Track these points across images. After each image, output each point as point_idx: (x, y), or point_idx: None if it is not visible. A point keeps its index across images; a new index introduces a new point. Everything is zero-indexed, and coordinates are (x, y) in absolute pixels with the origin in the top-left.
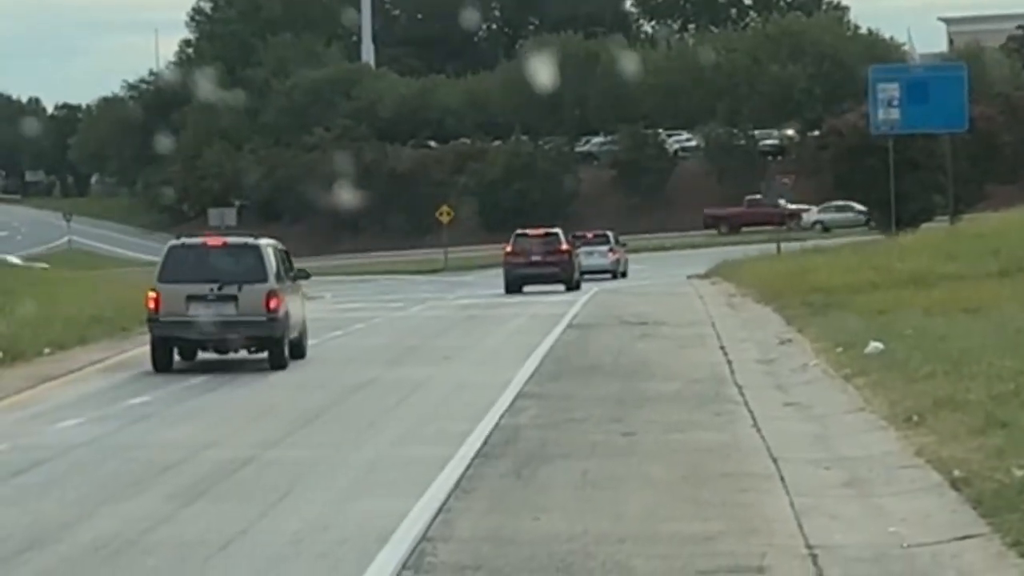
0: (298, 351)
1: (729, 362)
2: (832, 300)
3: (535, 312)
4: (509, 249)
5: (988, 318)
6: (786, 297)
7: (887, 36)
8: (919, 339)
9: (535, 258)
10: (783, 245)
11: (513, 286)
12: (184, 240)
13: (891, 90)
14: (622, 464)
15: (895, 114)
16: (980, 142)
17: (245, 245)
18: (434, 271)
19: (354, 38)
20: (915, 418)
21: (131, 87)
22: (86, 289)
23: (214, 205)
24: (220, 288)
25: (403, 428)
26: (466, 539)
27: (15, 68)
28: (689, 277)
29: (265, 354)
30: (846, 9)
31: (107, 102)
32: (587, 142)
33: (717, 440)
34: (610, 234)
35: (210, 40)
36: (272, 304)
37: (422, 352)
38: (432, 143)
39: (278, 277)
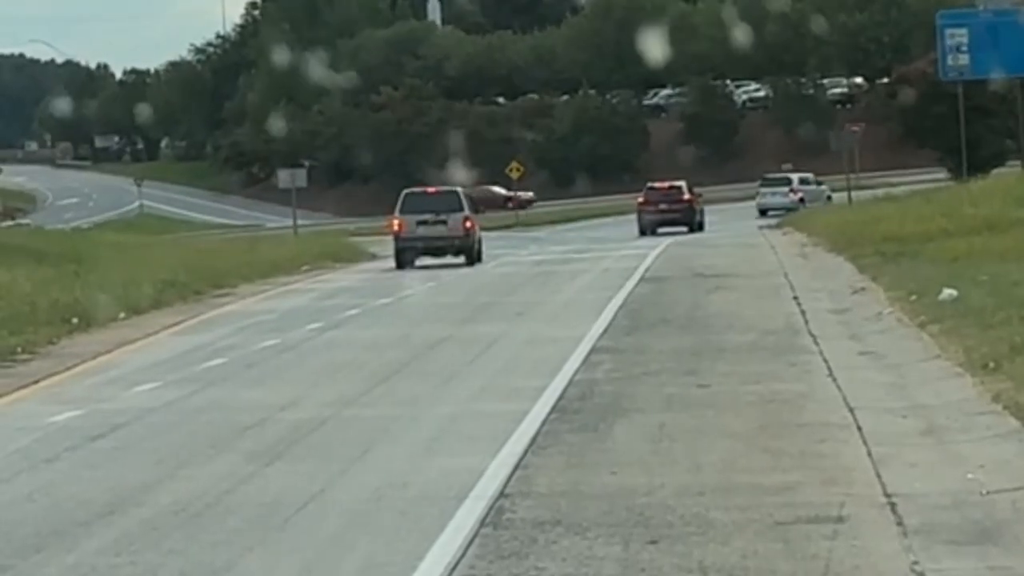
0: (479, 256)
1: (803, 312)
2: (904, 248)
3: (607, 267)
4: (642, 200)
5: None
6: (858, 246)
7: None
8: (993, 285)
9: (663, 206)
10: (854, 194)
11: (648, 229)
12: (413, 189)
13: (960, 35)
14: (698, 416)
15: (964, 60)
16: None
17: (449, 191)
18: (506, 227)
19: None
20: (991, 364)
21: (198, 51)
22: (159, 253)
23: (283, 166)
24: (437, 215)
25: (478, 385)
26: (544, 495)
27: (83, 34)
28: (761, 228)
29: (462, 258)
30: None
31: (175, 66)
32: (655, 95)
33: (793, 390)
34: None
35: (276, 1)
36: (467, 225)
37: (495, 309)
38: (500, 100)
39: (470, 210)
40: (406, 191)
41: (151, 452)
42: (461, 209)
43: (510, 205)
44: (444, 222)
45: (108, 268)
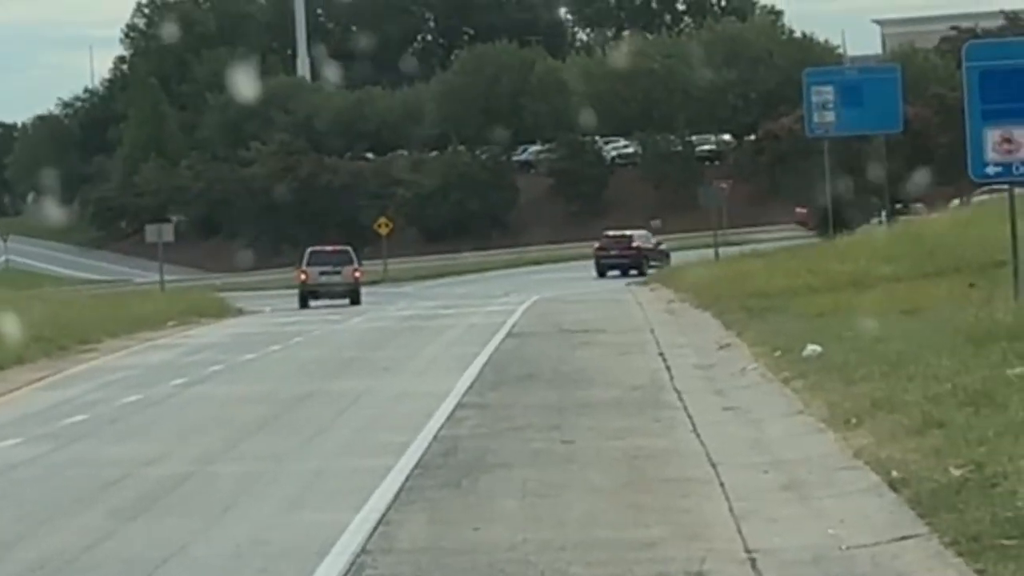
0: (359, 300)
1: (668, 368)
2: (770, 304)
3: (474, 322)
4: (599, 246)
5: (925, 319)
6: (724, 302)
7: (821, 39)
8: (857, 341)
9: (614, 252)
10: (721, 250)
11: (602, 272)
12: (315, 248)
13: (826, 93)
14: (562, 472)
15: (830, 117)
16: (915, 143)
17: (342, 249)
18: (373, 283)
19: (288, 52)
20: (853, 420)
21: (66, 105)
22: (24, 308)
23: (152, 221)
24: (334, 267)
25: (343, 440)
26: (406, 550)
27: None
28: (628, 284)
29: (348, 300)
30: (780, 13)
31: (42, 120)
32: (524, 151)
33: (657, 446)
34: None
35: (145, 56)
36: (356, 275)
37: (362, 364)
38: (370, 155)
39: (357, 262)
40: (310, 249)
41: (13, 507)
42: (351, 263)
43: None
44: (339, 272)
45: None
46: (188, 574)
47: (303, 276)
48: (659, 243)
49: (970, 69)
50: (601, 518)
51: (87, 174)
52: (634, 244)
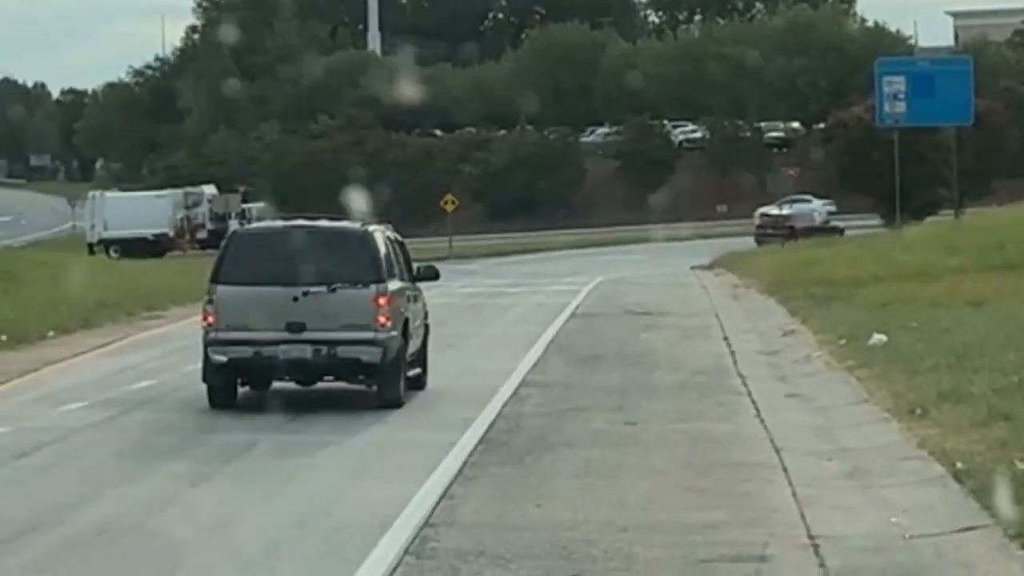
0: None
1: (732, 353)
2: (836, 292)
3: (539, 301)
4: (759, 223)
5: (991, 311)
6: (790, 288)
7: (893, 29)
8: (923, 332)
9: (769, 230)
10: None
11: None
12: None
13: (897, 83)
14: (624, 453)
15: (901, 107)
16: (985, 136)
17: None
18: (438, 259)
19: (359, 26)
20: (918, 410)
21: (137, 73)
22: (91, 273)
23: (219, 191)
24: None
25: (407, 414)
26: (469, 525)
27: (21, 53)
28: (693, 268)
29: None
30: (852, 1)
31: (113, 88)
32: (592, 132)
33: (720, 430)
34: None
35: (216, 26)
36: None
37: None
38: (438, 132)
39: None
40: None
41: (76, 471)
42: None
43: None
44: None
45: (38, 287)
46: (252, 541)
47: None
48: (827, 220)
49: None
50: (663, 500)
51: (156, 142)
52: (788, 223)
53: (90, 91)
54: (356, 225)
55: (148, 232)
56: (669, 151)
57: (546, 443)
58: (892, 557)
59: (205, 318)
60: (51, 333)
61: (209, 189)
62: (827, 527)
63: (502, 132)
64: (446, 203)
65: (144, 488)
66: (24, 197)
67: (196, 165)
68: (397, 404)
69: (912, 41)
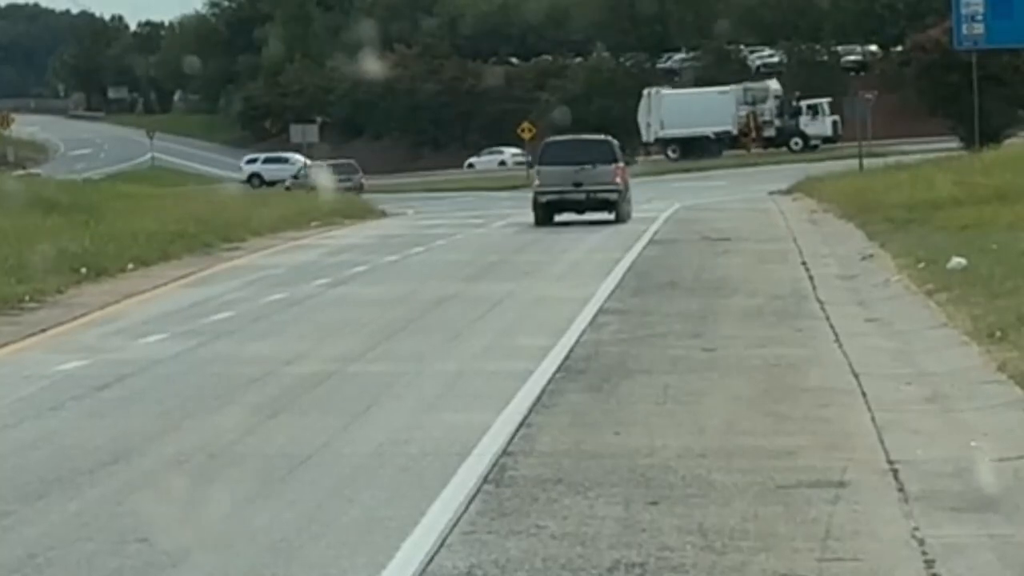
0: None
1: (811, 278)
2: (914, 216)
3: (617, 227)
4: None
5: None
6: (868, 213)
7: None
8: (1002, 255)
9: None
10: (866, 161)
11: None
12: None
13: (975, 5)
14: (703, 379)
15: (979, 29)
16: None
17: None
18: (515, 187)
19: None
20: (998, 334)
21: (213, 4)
22: (170, 205)
23: (296, 121)
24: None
25: (484, 343)
26: (547, 453)
27: None
28: (771, 193)
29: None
30: None
31: (189, 19)
32: (668, 59)
33: (798, 355)
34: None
35: None
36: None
37: (503, 267)
38: (514, 60)
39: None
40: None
41: (156, 403)
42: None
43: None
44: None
45: (118, 219)
46: (329, 471)
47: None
48: None
49: None
50: (741, 426)
51: (233, 73)
52: None
53: (167, 23)
54: (601, 136)
55: (710, 130)
56: (746, 76)
57: (624, 370)
58: (972, 481)
59: (534, 182)
60: (130, 265)
61: (774, 84)
62: (906, 452)
63: (578, 59)
64: (523, 131)
65: (224, 419)
66: (103, 130)
67: (272, 95)
68: (624, 221)
69: None
